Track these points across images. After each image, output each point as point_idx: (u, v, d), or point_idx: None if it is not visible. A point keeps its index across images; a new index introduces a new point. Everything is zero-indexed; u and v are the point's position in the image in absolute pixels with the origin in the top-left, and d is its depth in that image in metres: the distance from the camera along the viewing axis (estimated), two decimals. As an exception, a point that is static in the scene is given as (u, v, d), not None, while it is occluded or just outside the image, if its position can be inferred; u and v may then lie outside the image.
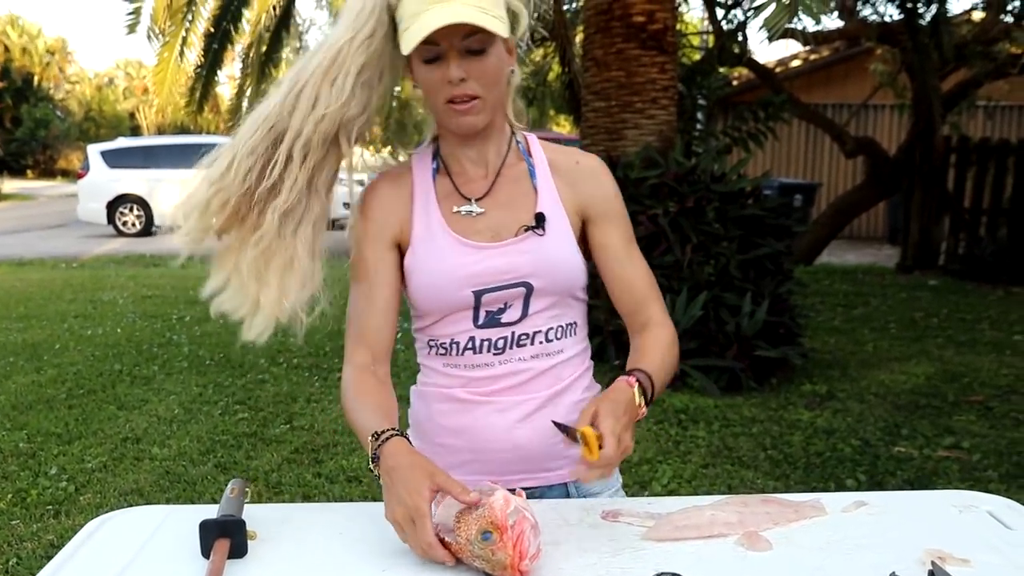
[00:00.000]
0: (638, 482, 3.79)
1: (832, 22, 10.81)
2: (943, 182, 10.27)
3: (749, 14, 7.07)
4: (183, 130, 21.06)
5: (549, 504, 1.38)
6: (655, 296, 1.48)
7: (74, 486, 3.84)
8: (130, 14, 6.02)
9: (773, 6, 3.83)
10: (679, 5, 7.59)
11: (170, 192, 15.22)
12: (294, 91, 1.34)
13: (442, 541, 1.14)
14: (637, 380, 1.31)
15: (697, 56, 10.07)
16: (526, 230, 1.39)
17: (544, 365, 1.43)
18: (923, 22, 7.58)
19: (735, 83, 13.21)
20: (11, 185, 29.75)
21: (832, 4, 8.83)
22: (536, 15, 1.40)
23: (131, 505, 3.64)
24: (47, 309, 7.99)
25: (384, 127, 8.56)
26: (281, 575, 1.17)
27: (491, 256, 1.39)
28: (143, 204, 15.39)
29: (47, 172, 37.56)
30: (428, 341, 1.47)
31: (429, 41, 1.26)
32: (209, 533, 1.19)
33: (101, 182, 15.24)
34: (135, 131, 35.67)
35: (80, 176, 15.93)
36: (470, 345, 1.42)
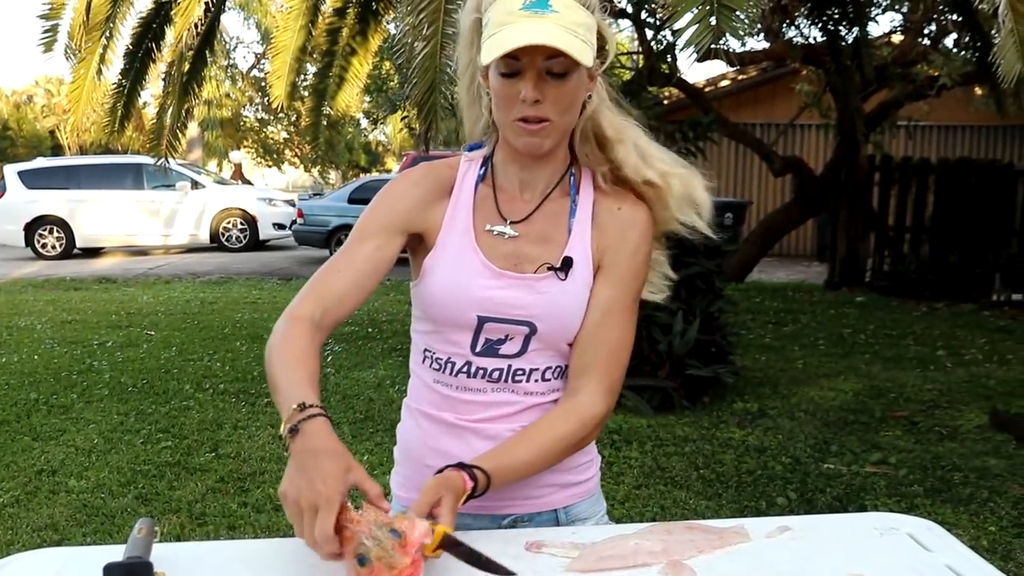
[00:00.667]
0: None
1: (758, 43, 11.04)
2: (868, 200, 10.54)
3: (677, 34, 7.16)
4: (107, 150, 20.57)
5: (475, 535, 1.33)
6: (605, 370, 1.35)
7: (-17, 522, 3.66)
8: (46, 31, 5.84)
9: (696, 27, 3.85)
10: (609, 26, 7.65)
11: (93, 213, 14.87)
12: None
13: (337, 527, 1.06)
14: (475, 484, 1.23)
15: (627, 76, 10.17)
16: (549, 269, 1.35)
17: (536, 401, 1.40)
18: (845, 44, 7.76)
19: (666, 103, 13.38)
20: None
21: (758, 26, 9.01)
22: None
23: (44, 541, 3.49)
24: (-40, 336, 7.68)
25: (313, 147, 8.46)
26: (179, 625, 1.09)
27: (507, 286, 1.34)
28: (63, 226, 14.96)
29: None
30: (424, 350, 1.42)
31: (512, 56, 1.22)
32: (114, 577, 1.11)
33: (18, 203, 14.79)
34: (56, 150, 34.74)
35: (-4, 197, 15.43)
36: (465, 370, 1.38)
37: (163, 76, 6.48)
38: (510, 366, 1.37)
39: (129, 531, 3.50)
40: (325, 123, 7.58)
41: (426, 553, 1.09)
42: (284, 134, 30.42)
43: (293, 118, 24.27)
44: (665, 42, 9.30)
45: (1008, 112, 8.48)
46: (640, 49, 10.01)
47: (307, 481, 1.08)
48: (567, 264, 1.35)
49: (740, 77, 14.58)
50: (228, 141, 28.70)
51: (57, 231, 15.01)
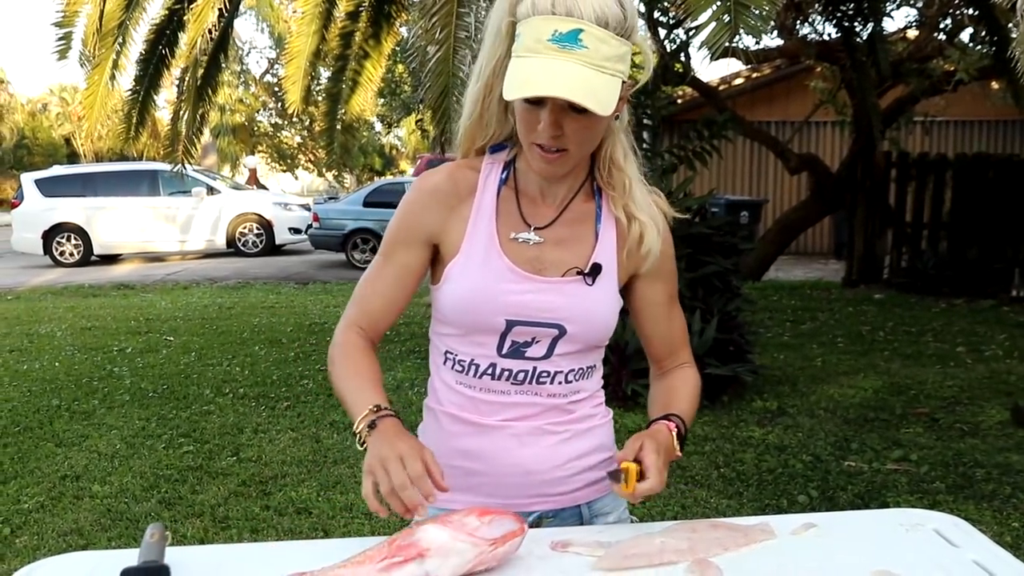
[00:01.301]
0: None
1: (772, 41, 11.00)
2: (885, 197, 10.47)
3: (691, 33, 7.14)
4: (122, 157, 20.69)
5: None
6: (685, 342, 1.54)
7: (9, 528, 3.69)
8: (60, 39, 5.89)
9: (713, 25, 3.85)
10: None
11: (109, 220, 14.96)
12: (465, 125, 1.42)
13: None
14: (676, 425, 1.39)
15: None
16: (577, 273, 1.37)
17: (557, 402, 1.43)
18: (860, 40, 7.72)
19: (680, 101, 13.35)
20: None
21: (772, 23, 8.98)
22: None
23: (70, 546, 3.53)
24: (-19, 344, 7.75)
25: (328, 150, 8.50)
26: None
27: (534, 290, 1.36)
28: (81, 233, 15.07)
29: (-25, 202, 36.63)
30: (446, 352, 1.43)
31: None
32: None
33: (36, 211, 14.89)
34: (72, 158, 35.00)
35: (14, 206, 15.57)
36: (489, 371, 1.39)
37: (177, 82, 6.51)
38: (535, 368, 1.39)
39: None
40: (340, 127, 7.60)
41: (623, 493, 1.30)
42: (298, 138, 30.56)
43: (307, 122, 24.38)
44: (679, 41, 9.29)
45: (1026, 106, 8.41)
46: (654, 48, 10.01)
47: (389, 447, 1.20)
48: (596, 270, 1.37)
49: (754, 75, 14.51)
50: (242, 146, 28.86)
51: (75, 238, 15.11)
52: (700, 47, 3.68)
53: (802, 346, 7.05)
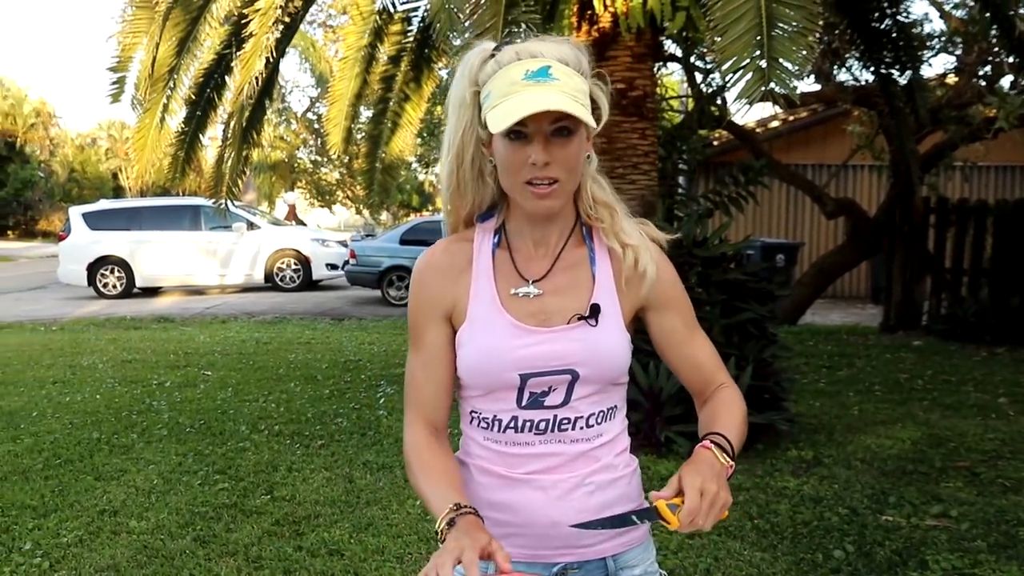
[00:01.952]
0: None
1: (809, 86, 11.02)
2: (923, 242, 10.38)
3: (727, 79, 7.20)
4: (165, 192, 21.09)
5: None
6: (719, 366, 1.53)
7: (48, 562, 3.75)
8: (114, 83, 6.07)
9: (749, 75, 3.89)
10: (658, 70, 7.72)
11: (152, 253, 15.25)
12: (445, 200, 1.49)
13: None
14: (712, 442, 1.36)
15: (677, 119, 10.22)
16: (579, 319, 1.41)
17: (583, 448, 1.45)
18: (898, 86, 7.71)
19: (715, 144, 13.37)
20: (-8, 246, 29.63)
21: (808, 68, 9.00)
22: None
23: (106, 582, 3.57)
24: (25, 375, 7.89)
25: (368, 190, 8.63)
26: None
27: (542, 341, 1.41)
28: (124, 266, 15.38)
29: (28, 233, 37.52)
30: (471, 412, 1.49)
31: (518, 122, 1.29)
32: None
33: (82, 244, 15.26)
34: (118, 192, 35.75)
35: (61, 238, 15.95)
36: (512, 424, 1.44)
37: (222, 124, 6.68)
38: (555, 416, 1.43)
39: (190, 572, 3.54)
40: (380, 168, 7.72)
41: (672, 526, 1.29)
42: (336, 174, 30.94)
43: (346, 160, 24.71)
44: (715, 85, 9.34)
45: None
46: (690, 92, 10.06)
47: (455, 542, 1.23)
48: (595, 311, 1.42)
49: (791, 118, 14.51)
50: (282, 182, 29.27)
51: (118, 271, 15.43)
52: (736, 99, 3.72)
53: (838, 393, 6.97)
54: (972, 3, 9.77)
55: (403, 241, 14.27)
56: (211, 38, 6.31)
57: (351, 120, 7.12)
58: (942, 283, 10.44)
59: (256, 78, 5.84)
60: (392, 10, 7.17)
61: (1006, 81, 9.98)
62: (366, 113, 8.29)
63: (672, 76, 15.01)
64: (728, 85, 7.15)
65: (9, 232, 37.43)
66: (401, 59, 7.31)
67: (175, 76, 5.88)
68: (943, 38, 10.32)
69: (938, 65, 56.42)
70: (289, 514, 4.28)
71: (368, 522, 4.15)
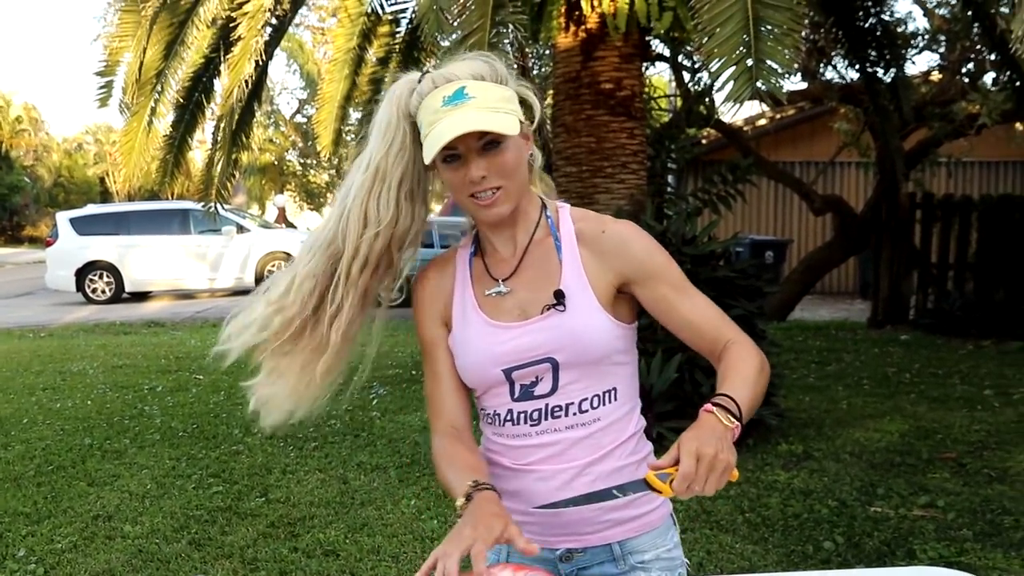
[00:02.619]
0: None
1: (796, 85, 11.09)
2: (910, 238, 10.46)
3: (714, 79, 7.25)
4: (154, 196, 20.98)
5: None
6: (722, 324, 1.47)
7: (43, 568, 3.76)
8: (101, 88, 6.08)
9: (736, 75, 3.92)
10: (646, 69, 7.76)
11: (141, 258, 15.21)
12: (344, 215, 1.45)
13: None
14: (715, 404, 1.32)
15: (666, 118, 10.27)
16: (547, 308, 1.45)
17: (580, 434, 1.47)
18: (883, 84, 7.78)
19: (704, 143, 13.43)
20: (-21, 253, 29.48)
21: (794, 68, 9.06)
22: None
23: (102, 586, 3.58)
24: (14, 382, 7.88)
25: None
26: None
27: (517, 336, 1.46)
28: (113, 271, 15.33)
29: (14, 239, 37.35)
30: (480, 409, 1.56)
31: (448, 146, 1.35)
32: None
33: (70, 249, 15.19)
34: (105, 196, 35.59)
35: (48, 243, 15.89)
36: (509, 417, 1.49)
37: (212, 127, 6.69)
38: (547, 405, 1.47)
39: (183, 575, 3.53)
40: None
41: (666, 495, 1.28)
42: (326, 176, 30.91)
43: (335, 162, 24.71)
44: (703, 84, 9.39)
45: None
46: (678, 91, 10.11)
47: (472, 519, 1.25)
48: (559, 296, 1.45)
49: (778, 116, 14.59)
50: (271, 185, 29.21)
51: (107, 276, 15.38)
52: (724, 101, 3.76)
53: (827, 388, 7.03)
54: (954, 1, 9.87)
55: (392, 243, 14.25)
56: (199, 41, 6.31)
57: (340, 122, 7.13)
58: (928, 278, 10.53)
59: (245, 81, 5.85)
60: (380, 12, 7.19)
61: (988, 78, 10.08)
62: (356, 115, 8.30)
63: (660, 76, 15.06)
64: (715, 84, 7.21)
65: (-5, 238, 37.26)
66: (390, 60, 7.32)
67: (163, 79, 5.89)
68: (927, 36, 10.41)
69: (922, 63, 56.78)
70: (284, 516, 4.30)
71: (363, 522, 4.18)
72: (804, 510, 4.26)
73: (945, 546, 3.76)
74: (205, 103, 6.81)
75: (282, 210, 25.76)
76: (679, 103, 10.07)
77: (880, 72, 7.57)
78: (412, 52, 7.22)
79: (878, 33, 7.40)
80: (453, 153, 1.37)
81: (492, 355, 1.46)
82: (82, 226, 15.51)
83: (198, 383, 7.68)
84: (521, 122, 1.41)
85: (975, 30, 8.66)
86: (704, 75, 9.02)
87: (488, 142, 1.37)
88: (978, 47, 9.57)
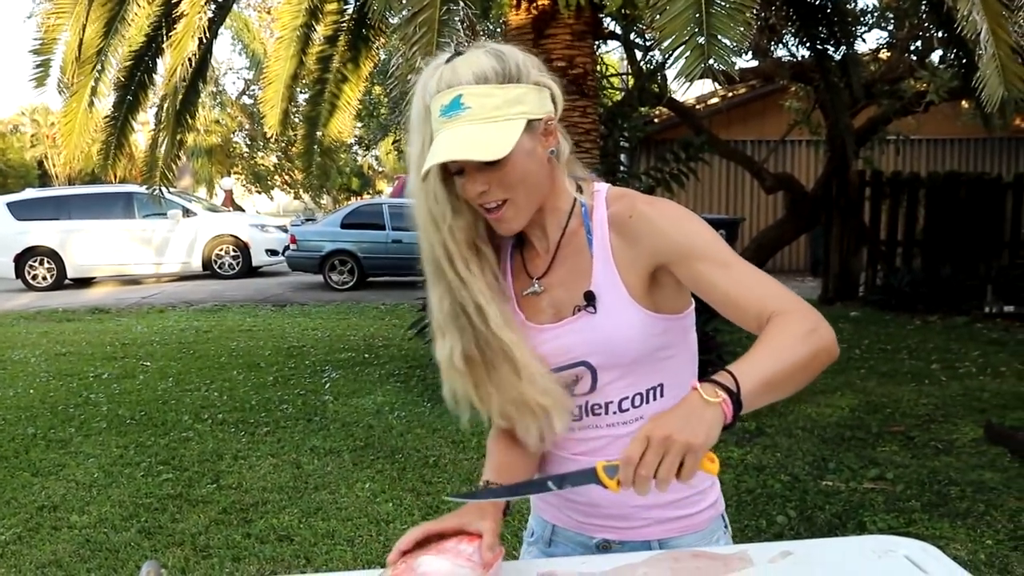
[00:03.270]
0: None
1: (747, 63, 11.14)
2: (859, 215, 10.61)
3: (667, 56, 7.25)
4: (95, 179, 20.50)
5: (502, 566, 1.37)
6: (766, 296, 1.27)
7: (-14, 560, 3.66)
8: (38, 66, 5.88)
9: (688, 52, 3.91)
10: (598, 47, 7.73)
11: (84, 243, 14.84)
12: (418, 222, 1.36)
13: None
14: (705, 379, 1.16)
15: (618, 96, 10.26)
16: (578, 310, 1.37)
17: (621, 432, 1.41)
18: (833, 62, 7.84)
19: (656, 121, 13.46)
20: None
21: (746, 45, 9.10)
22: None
23: (48, 578, 3.49)
24: (-45, 371, 7.66)
25: (306, 173, 8.51)
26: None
27: (550, 339, 1.39)
28: (55, 257, 14.94)
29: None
30: None
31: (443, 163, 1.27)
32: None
33: (8, 235, 14.78)
34: (43, 180, 34.75)
35: (-15, 229, 15.42)
36: None
37: (156, 108, 6.50)
38: (587, 402, 1.41)
39: (133, 566, 3.47)
40: (318, 150, 7.61)
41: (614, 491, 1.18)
42: (274, 158, 30.48)
43: (284, 144, 24.38)
44: (655, 63, 9.39)
45: (995, 127, 8.57)
46: (629, 70, 10.10)
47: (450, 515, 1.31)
48: (590, 298, 1.36)
49: (730, 94, 14.67)
50: (218, 167, 28.73)
51: (48, 262, 14.99)
52: (676, 77, 3.74)
53: (779, 365, 7.09)
54: (902, -21, 9.96)
55: (344, 225, 14.11)
56: (140, 19, 6.13)
57: (287, 102, 6.99)
58: (878, 255, 10.70)
59: (188, 59, 5.70)
60: (327, -11, 7.06)
61: (936, 56, 10.21)
62: (303, 96, 8.17)
63: (612, 54, 15.04)
64: (668, 62, 7.21)
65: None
66: (338, 39, 7.20)
67: (103, 58, 5.71)
68: (876, 14, 10.51)
69: (871, 40, 57.46)
70: (236, 502, 4.23)
71: (317, 507, 4.12)
72: (757, 485, 4.30)
73: (894, 517, 3.82)
74: (148, 83, 6.63)
75: (229, 193, 25.34)
76: (631, 82, 10.06)
77: (831, 49, 7.63)
78: (361, 30, 7.11)
79: (828, 10, 7.45)
80: (454, 165, 1.29)
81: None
82: (21, 211, 15.09)
83: (145, 370, 7.53)
84: (533, 121, 1.28)
85: (923, 8, 8.76)
86: (656, 53, 9.02)
87: None
88: (926, 25, 9.68)
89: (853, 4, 9.87)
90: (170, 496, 4.34)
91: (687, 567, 1.33)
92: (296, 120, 8.75)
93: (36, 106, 38.18)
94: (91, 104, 5.85)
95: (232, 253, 15.88)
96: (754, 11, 4.05)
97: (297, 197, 32.37)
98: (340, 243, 13.86)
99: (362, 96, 8.78)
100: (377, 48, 7.81)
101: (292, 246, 14.34)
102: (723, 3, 3.87)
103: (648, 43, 9.22)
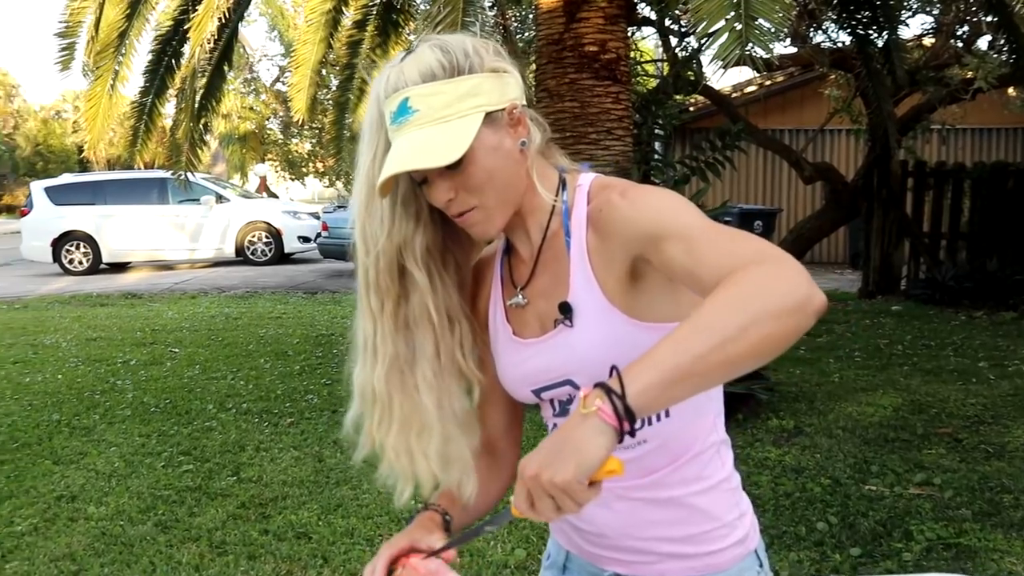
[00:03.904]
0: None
1: (786, 49, 10.87)
2: (901, 206, 10.31)
3: (703, 42, 7.03)
4: (132, 165, 20.60)
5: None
6: (731, 258, 0.99)
7: (1, 552, 3.58)
8: (63, 50, 5.81)
9: (725, 36, 3.73)
10: (632, 34, 7.53)
11: (119, 228, 14.93)
12: (358, 243, 1.25)
13: None
14: (596, 384, 0.97)
15: (652, 84, 10.04)
16: (557, 323, 1.22)
17: (625, 457, 1.17)
18: (875, 48, 7.57)
19: (692, 109, 13.22)
20: (-44, 223, 29.07)
21: (785, 31, 8.84)
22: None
23: (61, 572, 3.40)
24: (-16, 355, 7.66)
25: (336, 159, 8.40)
26: None
27: (533, 355, 1.25)
28: (90, 241, 15.03)
29: (-10, 209, 36.87)
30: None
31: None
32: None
33: (46, 219, 14.89)
34: (84, 165, 35.11)
35: (23, 214, 15.57)
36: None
37: (177, 92, 6.39)
38: None
39: (147, 562, 3.35)
40: (348, 136, 7.49)
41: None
42: (308, 146, 30.49)
43: (317, 131, 24.35)
44: (690, 49, 9.17)
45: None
46: (665, 56, 9.88)
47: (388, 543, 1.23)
48: (565, 310, 1.20)
49: (768, 82, 14.36)
50: (252, 154, 28.80)
51: (84, 246, 15.10)
52: (712, 60, 3.56)
53: (819, 360, 6.88)
54: (950, -38, 9.64)
55: (376, 212, 14.01)
56: (167, 2, 6.04)
57: (316, 87, 6.87)
58: (920, 247, 10.40)
59: (211, 40, 5.58)
60: (357, -28, 6.93)
61: (984, 41, 9.88)
62: (335, 81, 8.05)
63: (646, 41, 14.79)
64: (704, 47, 6.99)
65: (-29, 209, 36.79)
66: (367, 23, 7.06)
67: (125, 41, 5.61)
68: (921, -1, 10.19)
69: (915, 26, 56.47)
70: (255, 496, 4.13)
71: (337, 503, 4.01)
72: (796, 489, 4.11)
73: (943, 526, 3.61)
74: (175, 68, 6.54)
75: (263, 179, 25.41)
76: (666, 69, 9.84)
77: (873, 35, 7.36)
78: (390, 14, 6.97)
79: (871, -6, 7.19)
80: (415, 174, 1.16)
81: (516, 376, 1.28)
82: (58, 196, 15.20)
83: (173, 357, 7.48)
84: (493, 112, 1.14)
85: (971, -8, 8.46)
86: (691, 40, 8.79)
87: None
88: (973, 10, 9.35)
89: (898, -12, 9.56)
90: (189, 488, 4.25)
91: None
92: (326, 106, 8.63)
93: (77, 92, 38.60)
94: (113, 88, 5.77)
95: (265, 240, 15.87)
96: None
97: (331, 184, 32.37)
98: (371, 231, 13.77)
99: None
100: (407, 34, 7.66)
101: (324, 233, 14.30)
102: (763, -15, 3.67)
103: (683, 29, 8.99)
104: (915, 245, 10.40)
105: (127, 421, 5.45)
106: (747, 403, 5.24)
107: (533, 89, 6.49)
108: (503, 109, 1.16)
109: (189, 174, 6.68)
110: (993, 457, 4.50)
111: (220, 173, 24.21)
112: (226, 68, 6.51)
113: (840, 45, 9.75)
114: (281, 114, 28.68)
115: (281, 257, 16.06)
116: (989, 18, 8.53)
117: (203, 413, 5.60)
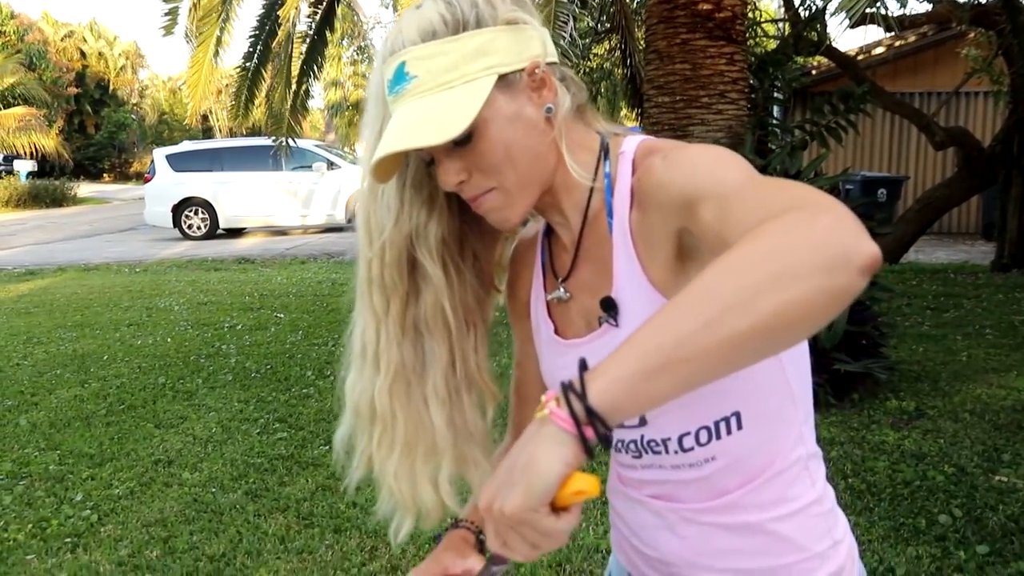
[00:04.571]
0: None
1: (919, 5, 10.20)
2: (1042, 173, 9.56)
3: (827, -2, 6.60)
4: (254, 132, 21.11)
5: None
6: (764, 211, 0.76)
7: (97, 515, 3.63)
8: (167, 14, 5.86)
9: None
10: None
11: (235, 194, 15.35)
12: (360, 232, 1.09)
13: None
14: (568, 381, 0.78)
15: (772, 45, 9.57)
16: (601, 323, 1.03)
17: (689, 476, 1.04)
18: (1022, 1, 6.97)
19: (814, 73, 12.62)
20: (87, 189, 30.62)
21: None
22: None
23: (152, 538, 3.41)
24: (102, 317, 7.93)
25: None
26: None
27: (576, 359, 1.03)
28: (208, 207, 15.50)
29: (122, 175, 38.69)
30: None
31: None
32: None
33: (167, 186, 15.43)
34: (208, 133, 36.36)
35: (147, 180, 16.16)
36: (615, 444, 1.10)
37: (272, 57, 6.36)
38: (642, 436, 1.05)
39: (235, 532, 3.29)
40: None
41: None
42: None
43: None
44: (814, 7, 8.67)
45: None
46: (786, 15, 9.39)
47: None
48: (609, 307, 1.00)
49: (897, 43, 13.55)
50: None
51: (202, 212, 15.58)
52: (835, 12, 3.24)
53: (944, 338, 6.43)
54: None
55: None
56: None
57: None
58: (1062, 218, 9.64)
59: (313, 6, 5.51)
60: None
61: None
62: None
63: (767, 0, 14.17)
64: (827, 2, 6.55)
65: (105, 175, 38.67)
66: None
67: (228, 6, 5.60)
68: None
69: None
70: (346, 467, 4.07)
71: (427, 477, 3.91)
72: (916, 476, 3.80)
73: (1086, 528, 3.26)
74: (280, 34, 6.53)
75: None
76: (787, 29, 9.35)
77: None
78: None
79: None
80: (420, 154, 0.99)
81: (559, 380, 1.04)
82: (178, 162, 15.71)
83: (278, 322, 7.57)
84: (509, 74, 0.95)
85: None
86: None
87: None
88: None
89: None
90: (281, 457, 4.23)
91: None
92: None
93: (200, 63, 40.00)
94: (216, 54, 5.78)
95: (374, 206, 16.02)
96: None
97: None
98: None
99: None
100: None
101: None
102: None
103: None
104: (1057, 216, 9.64)
105: (228, 386, 5.51)
106: (863, 382, 4.91)
107: (643, 51, 6.21)
108: (522, 69, 0.96)
109: (299, 141, 6.68)
110: None
111: (333, 141, 24.58)
112: (327, 33, 6.45)
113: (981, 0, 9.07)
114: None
115: (391, 223, 16.19)
116: None
117: (301, 380, 5.62)
